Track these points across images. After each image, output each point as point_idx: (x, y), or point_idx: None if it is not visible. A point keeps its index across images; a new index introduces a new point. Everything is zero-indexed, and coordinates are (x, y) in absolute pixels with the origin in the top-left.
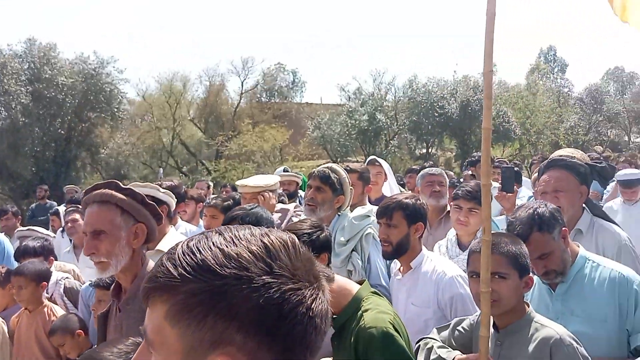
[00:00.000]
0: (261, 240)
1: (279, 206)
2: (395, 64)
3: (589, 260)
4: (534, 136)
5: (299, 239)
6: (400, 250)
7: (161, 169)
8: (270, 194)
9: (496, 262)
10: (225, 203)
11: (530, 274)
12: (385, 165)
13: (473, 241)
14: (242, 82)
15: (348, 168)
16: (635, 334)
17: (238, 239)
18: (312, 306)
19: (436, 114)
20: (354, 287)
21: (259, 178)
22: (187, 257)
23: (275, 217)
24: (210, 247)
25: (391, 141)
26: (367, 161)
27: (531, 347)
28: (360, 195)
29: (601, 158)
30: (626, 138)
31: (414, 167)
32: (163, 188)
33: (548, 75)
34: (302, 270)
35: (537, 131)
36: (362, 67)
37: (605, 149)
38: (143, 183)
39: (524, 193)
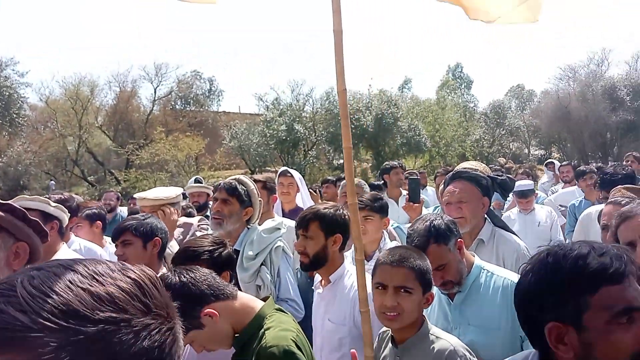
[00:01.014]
0: (128, 277)
1: (183, 220)
2: (314, 76)
3: (484, 269)
4: (443, 148)
5: (200, 257)
6: (317, 263)
7: (52, 181)
8: (172, 208)
9: (404, 276)
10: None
11: (432, 290)
12: (297, 176)
13: (381, 251)
14: (155, 89)
15: (252, 179)
16: (527, 340)
17: (100, 276)
18: (180, 344)
19: (352, 126)
20: (257, 305)
21: (159, 190)
22: (40, 300)
23: (177, 232)
24: (68, 287)
25: (309, 152)
26: (278, 172)
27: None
28: (266, 205)
29: (503, 170)
30: (526, 150)
31: (329, 177)
32: (53, 202)
33: (456, 91)
34: (170, 306)
35: (446, 143)
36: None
37: (507, 160)
38: (31, 196)
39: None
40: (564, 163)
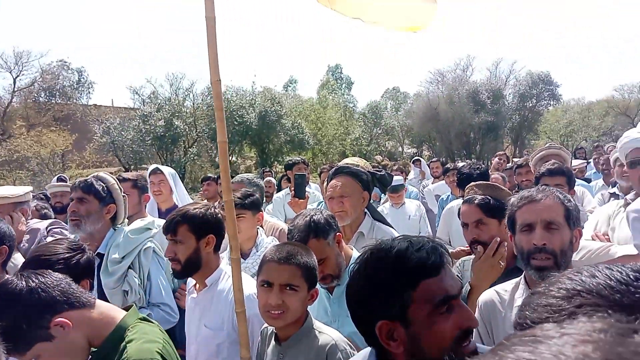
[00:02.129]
0: None
1: (34, 223)
2: (194, 70)
3: None
4: (325, 146)
5: (53, 266)
6: (191, 268)
7: None
8: (22, 217)
9: (291, 273)
10: None
11: (317, 287)
12: (168, 172)
13: (257, 249)
14: (14, 79)
15: (121, 177)
16: None
17: None
18: None
19: (235, 123)
20: (118, 315)
21: (4, 189)
22: None
23: (23, 239)
24: None
25: (190, 148)
26: (149, 170)
27: (311, 355)
28: (137, 205)
29: (380, 166)
30: (400, 149)
31: (210, 175)
32: None
33: (336, 91)
34: None
35: (327, 141)
36: (158, 69)
37: (384, 158)
38: None
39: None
40: (434, 160)
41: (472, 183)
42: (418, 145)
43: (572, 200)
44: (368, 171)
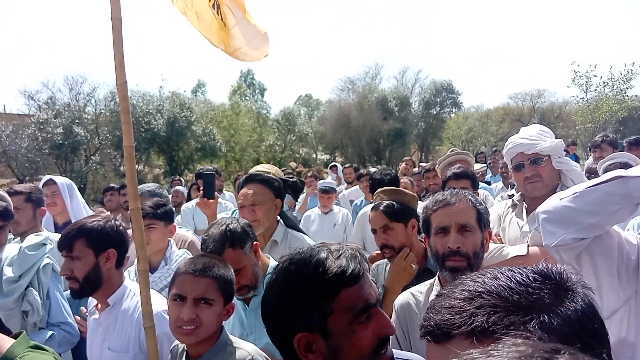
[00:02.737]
0: None
1: None
2: (97, 74)
3: None
4: (239, 153)
5: None
6: (90, 287)
7: None
8: None
9: (206, 286)
10: None
11: (233, 301)
12: (63, 184)
13: (167, 262)
14: None
15: (12, 190)
16: None
17: None
18: None
19: (142, 129)
20: (5, 344)
21: None
22: None
23: None
24: None
25: (92, 157)
26: (42, 182)
27: None
28: (32, 220)
29: (294, 173)
30: (314, 155)
31: (112, 185)
32: None
33: (249, 97)
34: None
35: (241, 148)
36: (57, 73)
37: (298, 164)
38: None
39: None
40: (347, 166)
41: (379, 189)
42: (331, 151)
43: (482, 203)
44: (280, 178)
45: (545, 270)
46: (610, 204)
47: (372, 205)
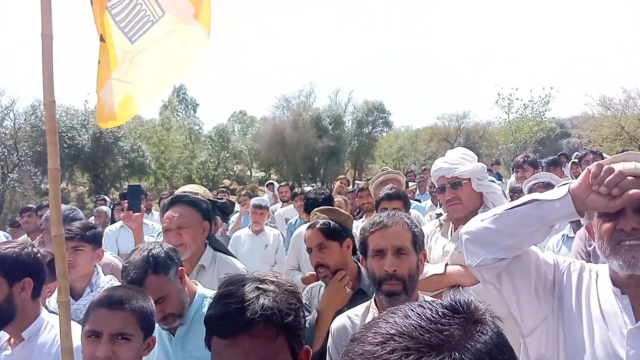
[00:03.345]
0: None
1: None
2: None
3: (207, 297)
4: (169, 170)
5: None
6: (2, 319)
7: None
8: None
9: (123, 321)
10: None
11: (153, 335)
12: None
13: (92, 288)
14: None
15: None
16: None
17: None
18: None
19: (65, 145)
20: None
21: None
22: None
23: None
24: None
25: (10, 174)
26: None
27: None
28: None
29: (227, 191)
30: (249, 172)
31: (29, 205)
32: None
33: (180, 113)
34: None
35: (171, 165)
36: None
37: (232, 182)
38: None
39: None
40: (282, 184)
41: (316, 209)
42: (266, 168)
43: (418, 225)
44: (208, 199)
45: (454, 303)
46: (526, 226)
47: (307, 224)
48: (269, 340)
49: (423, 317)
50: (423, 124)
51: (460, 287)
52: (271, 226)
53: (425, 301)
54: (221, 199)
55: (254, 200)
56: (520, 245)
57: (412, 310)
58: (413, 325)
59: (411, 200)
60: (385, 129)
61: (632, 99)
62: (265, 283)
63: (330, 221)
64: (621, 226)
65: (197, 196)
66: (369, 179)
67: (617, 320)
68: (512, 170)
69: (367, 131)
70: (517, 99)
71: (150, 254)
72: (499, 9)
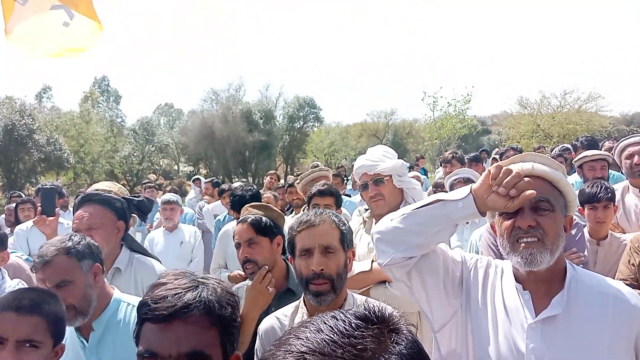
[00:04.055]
0: None
1: None
2: None
3: (124, 302)
4: (90, 165)
5: None
6: None
7: None
8: None
9: (32, 326)
10: None
11: (64, 342)
12: None
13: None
14: None
15: None
16: None
17: None
18: None
19: None
20: None
21: None
22: None
23: None
24: None
25: None
26: None
27: None
28: None
29: (156, 187)
30: (176, 167)
31: None
32: None
33: (102, 105)
34: None
35: (92, 160)
36: None
37: (158, 177)
38: None
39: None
40: (207, 180)
41: (248, 204)
42: (195, 163)
43: (346, 223)
44: (123, 197)
45: (367, 313)
46: (432, 225)
47: (235, 221)
48: (203, 329)
49: (336, 330)
50: (353, 120)
51: (387, 284)
52: (199, 222)
53: (339, 311)
54: (138, 196)
55: (163, 196)
56: (428, 243)
57: (325, 323)
58: (325, 341)
59: (343, 196)
60: (316, 124)
61: (546, 98)
62: (206, 279)
63: (262, 217)
64: (519, 224)
65: (110, 194)
66: (300, 174)
67: (519, 315)
68: (441, 165)
69: (299, 126)
70: (442, 97)
71: (69, 237)
72: (423, 9)
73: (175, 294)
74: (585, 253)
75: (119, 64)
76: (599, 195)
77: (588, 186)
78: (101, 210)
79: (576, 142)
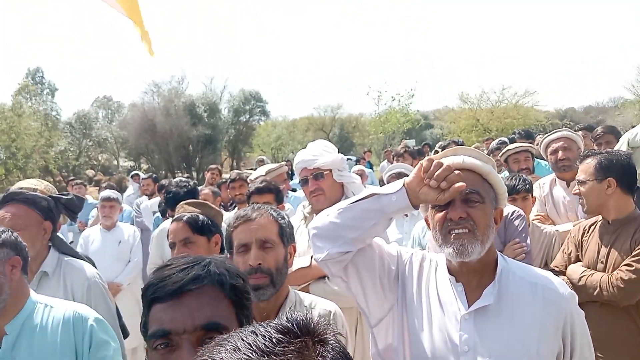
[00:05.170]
0: None
1: None
2: None
3: (41, 304)
4: (22, 160)
5: None
6: None
7: None
8: None
9: None
10: None
11: None
12: None
13: None
14: None
15: None
16: None
17: None
18: None
19: None
20: None
21: None
22: None
23: None
24: None
25: None
26: None
27: None
28: None
29: (84, 183)
30: (116, 162)
31: None
32: None
33: (37, 97)
34: None
35: (25, 155)
36: None
37: (97, 172)
38: None
39: None
40: (145, 176)
41: (183, 202)
42: (135, 158)
43: (286, 217)
44: (50, 196)
45: (290, 325)
46: (367, 219)
47: (172, 218)
48: (216, 300)
49: (255, 348)
50: (300, 114)
51: (327, 279)
52: (137, 220)
53: (260, 325)
54: (67, 194)
55: (102, 193)
56: (364, 237)
57: (243, 340)
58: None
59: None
60: (262, 118)
61: (485, 93)
62: (211, 257)
63: (199, 215)
64: (450, 216)
65: (35, 193)
66: (253, 169)
67: (452, 307)
68: (393, 159)
69: (245, 120)
70: (386, 92)
71: None
72: (370, 5)
73: (182, 270)
74: (528, 242)
75: (54, 55)
76: (518, 187)
77: (507, 179)
78: (25, 210)
79: (513, 135)
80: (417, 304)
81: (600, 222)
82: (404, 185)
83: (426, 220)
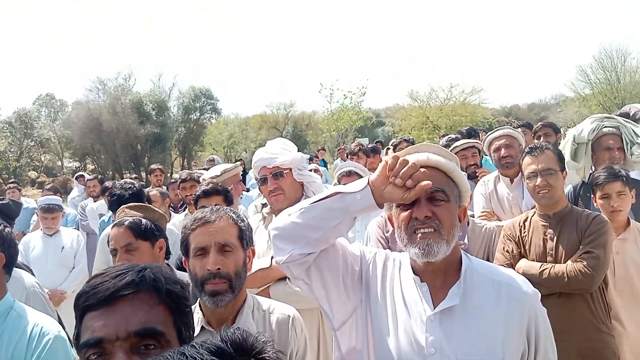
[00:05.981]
0: None
1: None
2: None
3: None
4: None
5: None
6: None
7: None
8: None
9: None
10: None
11: None
12: None
13: None
14: None
15: None
16: None
17: None
18: None
19: None
20: None
21: None
22: None
23: None
24: None
25: None
26: None
27: None
28: None
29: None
30: (59, 163)
31: None
32: None
33: None
34: None
35: None
36: None
37: (40, 174)
38: None
39: None
40: (90, 177)
41: (125, 205)
42: (81, 158)
43: (245, 219)
44: None
45: (223, 345)
46: (331, 219)
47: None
48: (151, 306)
49: None
50: (252, 111)
51: (287, 280)
52: (83, 223)
53: (191, 346)
54: (2, 198)
55: (40, 202)
56: (327, 238)
57: (170, 357)
58: None
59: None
60: (214, 116)
61: (434, 91)
62: (148, 264)
63: (142, 219)
64: (416, 215)
65: None
66: (205, 168)
67: (417, 308)
68: (348, 157)
69: (195, 117)
70: (338, 89)
71: None
72: (321, 4)
73: (115, 276)
74: (465, 240)
75: None
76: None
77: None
78: None
79: (458, 135)
80: (382, 305)
81: (533, 217)
82: (368, 183)
83: (390, 220)
